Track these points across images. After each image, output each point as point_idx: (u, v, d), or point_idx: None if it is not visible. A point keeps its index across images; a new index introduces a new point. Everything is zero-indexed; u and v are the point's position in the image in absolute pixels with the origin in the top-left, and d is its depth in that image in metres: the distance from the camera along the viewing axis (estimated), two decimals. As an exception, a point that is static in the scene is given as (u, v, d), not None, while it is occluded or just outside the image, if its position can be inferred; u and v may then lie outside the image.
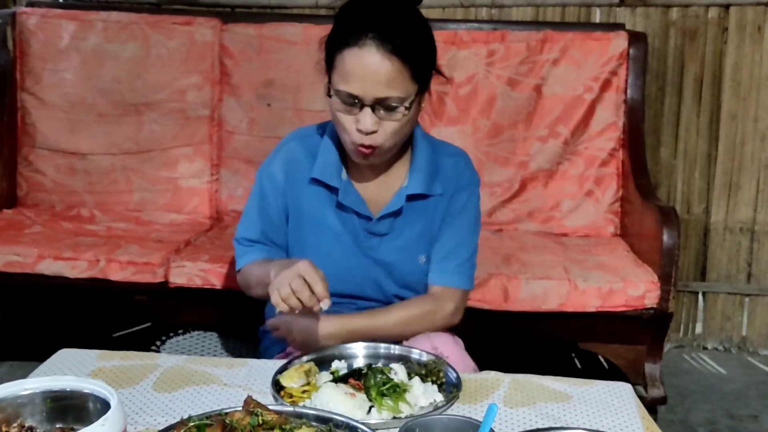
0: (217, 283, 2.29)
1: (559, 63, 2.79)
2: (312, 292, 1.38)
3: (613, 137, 2.78)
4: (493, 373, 1.43)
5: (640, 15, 3.02)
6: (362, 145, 1.50)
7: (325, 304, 1.40)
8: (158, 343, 2.23)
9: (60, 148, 2.90)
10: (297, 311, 1.40)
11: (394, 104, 1.47)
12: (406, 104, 1.48)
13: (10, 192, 2.88)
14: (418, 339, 1.58)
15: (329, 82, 1.51)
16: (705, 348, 3.19)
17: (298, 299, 1.38)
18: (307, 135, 1.69)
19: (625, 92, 2.78)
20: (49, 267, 2.33)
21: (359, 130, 1.48)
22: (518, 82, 2.80)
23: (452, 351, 1.54)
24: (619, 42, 2.77)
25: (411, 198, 1.63)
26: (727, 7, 2.99)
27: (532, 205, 2.81)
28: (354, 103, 1.47)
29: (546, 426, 1.19)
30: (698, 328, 3.19)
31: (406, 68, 1.46)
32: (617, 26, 2.87)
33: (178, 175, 2.88)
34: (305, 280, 1.38)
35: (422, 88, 1.52)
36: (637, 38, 2.79)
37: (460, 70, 2.80)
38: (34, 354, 1.84)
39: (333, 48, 1.49)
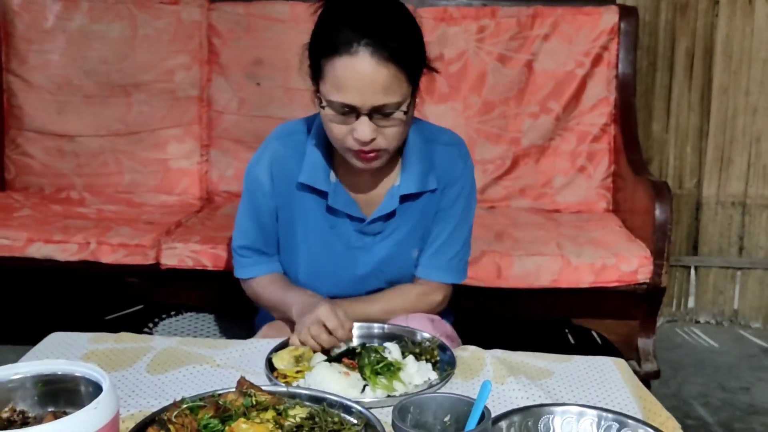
0: (209, 264, 2.28)
1: (550, 38, 2.78)
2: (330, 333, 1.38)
3: (604, 112, 2.78)
4: (471, 348, 1.43)
5: (631, -12, 3.01)
6: (363, 151, 1.45)
7: (345, 345, 1.40)
8: (150, 325, 2.22)
9: (48, 131, 2.88)
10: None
11: (391, 110, 1.41)
12: (404, 108, 1.42)
13: (-3, 175, 2.86)
14: (396, 320, 1.57)
15: (317, 90, 1.44)
16: (697, 322, 3.21)
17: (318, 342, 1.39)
18: (291, 133, 1.62)
19: (617, 67, 2.78)
20: (39, 250, 2.31)
21: (357, 140, 1.42)
22: (509, 58, 2.79)
23: (428, 332, 1.54)
24: (609, 16, 2.76)
25: (404, 198, 1.59)
26: (718, -21, 2.99)
27: (524, 182, 2.81)
28: (349, 112, 1.41)
29: (538, 402, 1.19)
30: (690, 302, 3.21)
31: (402, 73, 1.40)
32: (608, 0, 2.85)
33: (168, 156, 2.87)
34: (325, 326, 1.38)
35: (416, 85, 1.47)
36: (627, 12, 2.78)
37: (450, 47, 2.78)
38: (26, 338, 1.83)
39: (320, 55, 1.41)
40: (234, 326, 2.18)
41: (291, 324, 1.53)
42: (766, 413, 2.50)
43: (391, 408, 1.02)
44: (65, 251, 2.31)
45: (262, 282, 1.67)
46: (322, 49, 1.41)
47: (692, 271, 3.19)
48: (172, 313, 2.26)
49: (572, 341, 2.93)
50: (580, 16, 2.77)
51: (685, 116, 3.09)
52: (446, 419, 1.01)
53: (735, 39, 3.01)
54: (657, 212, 2.23)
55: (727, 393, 2.63)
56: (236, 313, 2.25)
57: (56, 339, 1.49)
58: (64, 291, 2.48)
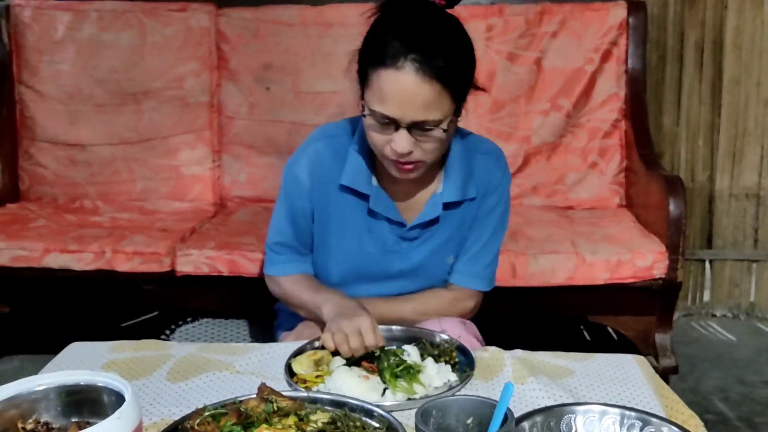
0: (224, 270, 2.28)
1: (559, 35, 2.77)
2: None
3: (615, 108, 2.77)
4: (491, 349, 1.42)
5: (638, -17, 3.00)
6: (400, 161, 1.44)
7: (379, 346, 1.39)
8: (167, 332, 2.22)
9: (60, 140, 2.89)
10: None
11: (431, 126, 1.40)
12: (444, 126, 1.41)
13: (12, 186, 2.88)
14: (430, 323, 1.57)
15: (362, 97, 1.44)
16: (714, 315, 3.20)
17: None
18: (334, 135, 1.61)
19: (626, 62, 2.77)
20: (55, 260, 2.33)
21: (394, 150, 1.42)
22: (518, 56, 2.79)
23: (461, 334, 1.54)
24: (618, 12, 2.75)
25: (447, 206, 1.58)
26: (726, -29, 2.98)
27: (536, 180, 2.80)
28: (389, 124, 1.40)
29: (560, 402, 1.19)
30: (706, 296, 3.20)
31: (445, 91, 1.38)
32: (616, -5, 2.85)
33: (180, 163, 2.88)
34: (362, 336, 1.36)
35: (460, 104, 1.45)
36: (636, 7, 2.77)
37: (459, 46, 2.78)
38: (44, 347, 1.84)
39: (367, 64, 1.41)
40: (251, 331, 2.18)
41: (321, 324, 1.53)
42: (786, 406, 2.49)
43: (412, 411, 1.02)
44: (81, 260, 2.32)
45: (294, 280, 1.65)
46: (370, 58, 1.41)
47: (707, 265, 3.17)
48: (189, 319, 2.26)
49: (588, 338, 2.92)
50: (588, 12, 2.76)
51: (696, 109, 3.08)
52: (469, 421, 1.01)
53: (745, 30, 3.00)
54: (671, 207, 2.22)
55: (746, 387, 2.62)
56: (253, 317, 2.26)
57: (76, 349, 1.49)
58: (81, 300, 2.48)
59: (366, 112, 1.43)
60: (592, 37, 2.75)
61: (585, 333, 2.95)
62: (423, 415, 0.97)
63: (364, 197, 1.58)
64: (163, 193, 2.86)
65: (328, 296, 1.55)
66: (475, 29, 2.78)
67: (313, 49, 2.82)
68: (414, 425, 0.96)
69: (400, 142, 1.40)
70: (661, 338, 2.30)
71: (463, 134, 1.61)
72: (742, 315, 3.19)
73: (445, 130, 1.41)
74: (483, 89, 1.54)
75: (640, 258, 2.22)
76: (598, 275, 2.22)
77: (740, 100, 3.05)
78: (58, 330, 1.82)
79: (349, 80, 1.50)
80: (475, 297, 1.68)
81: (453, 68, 1.39)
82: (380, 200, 1.58)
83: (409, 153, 1.42)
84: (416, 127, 1.40)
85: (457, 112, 1.45)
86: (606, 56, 2.76)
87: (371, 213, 1.59)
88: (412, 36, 1.37)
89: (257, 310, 2.21)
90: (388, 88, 1.37)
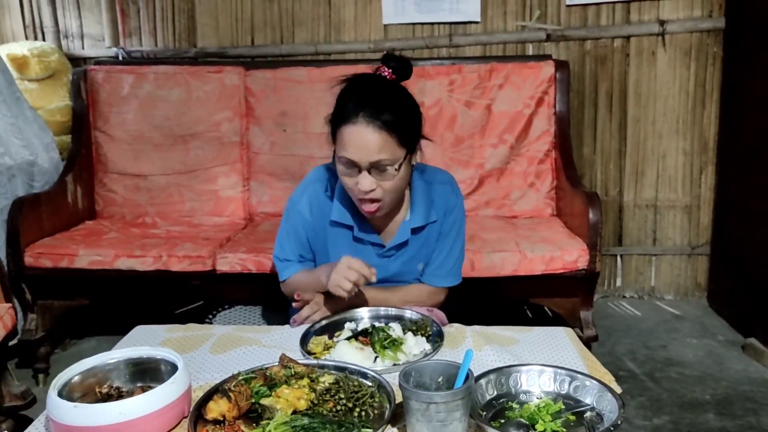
0: (253, 268, 2.27)
1: (504, 87, 2.78)
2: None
3: (547, 141, 2.78)
4: (456, 325, 1.43)
5: (562, 47, 3.02)
6: (365, 201, 1.44)
7: (374, 275, 1.42)
8: (210, 316, 2.20)
9: (126, 172, 2.87)
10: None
11: (385, 166, 1.39)
12: (396, 166, 1.40)
13: (90, 208, 2.86)
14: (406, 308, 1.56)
15: (334, 151, 1.44)
16: (624, 296, 3.21)
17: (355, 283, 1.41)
18: (326, 178, 1.60)
19: (555, 107, 2.77)
20: (124, 263, 2.31)
21: (360, 189, 1.42)
22: (473, 103, 2.80)
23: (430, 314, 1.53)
24: (548, 69, 2.77)
25: (414, 230, 1.58)
26: (628, 38, 3.00)
27: (488, 196, 2.80)
28: (353, 167, 1.40)
29: (508, 363, 1.19)
30: (618, 282, 3.21)
31: (393, 138, 1.38)
32: (546, 57, 2.86)
33: (218, 188, 2.87)
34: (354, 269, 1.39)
35: (410, 150, 1.44)
36: (561, 65, 2.79)
37: (428, 96, 2.79)
38: (115, 330, 1.83)
39: (334, 124, 1.42)
40: (273, 315, 2.17)
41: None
42: (679, 364, 2.50)
43: (397, 373, 1.02)
44: (143, 263, 2.31)
45: (296, 275, 1.64)
46: (336, 119, 1.42)
47: (618, 258, 3.19)
48: (226, 306, 2.25)
49: (530, 315, 2.92)
50: (525, 69, 2.77)
51: (608, 141, 3.10)
52: (439, 380, 1.01)
53: (643, 82, 3.02)
54: (590, 215, 2.22)
55: (649, 350, 2.63)
56: (275, 305, 2.25)
57: (140, 331, 1.49)
58: (144, 293, 2.47)
59: (337, 159, 1.43)
60: (528, 88, 2.76)
61: (528, 312, 2.95)
62: (404, 376, 0.97)
63: (349, 228, 1.58)
64: (205, 211, 2.85)
65: (320, 269, 1.55)
66: (440, 83, 2.80)
67: (318, 100, 2.83)
68: (398, 383, 0.96)
69: (363, 181, 1.40)
70: (584, 314, 2.30)
71: (421, 170, 1.60)
72: (645, 296, 3.20)
73: (397, 170, 1.41)
74: (429, 139, 1.54)
75: (568, 254, 2.22)
76: (536, 267, 2.22)
77: (640, 134, 3.07)
78: (126, 317, 1.81)
79: (323, 138, 1.49)
80: (445, 292, 1.67)
81: (397, 121, 1.39)
82: (363, 228, 1.58)
83: (372, 190, 1.42)
84: (374, 168, 1.39)
85: (408, 156, 1.44)
86: (539, 102, 2.77)
87: (357, 239, 1.59)
88: (364, 98, 1.39)
89: (276, 299, 2.20)
90: (347, 138, 1.38)
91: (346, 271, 1.40)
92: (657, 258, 3.16)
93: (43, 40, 3.23)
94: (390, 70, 1.46)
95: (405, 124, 1.42)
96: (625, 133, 3.08)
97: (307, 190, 1.62)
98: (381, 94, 1.41)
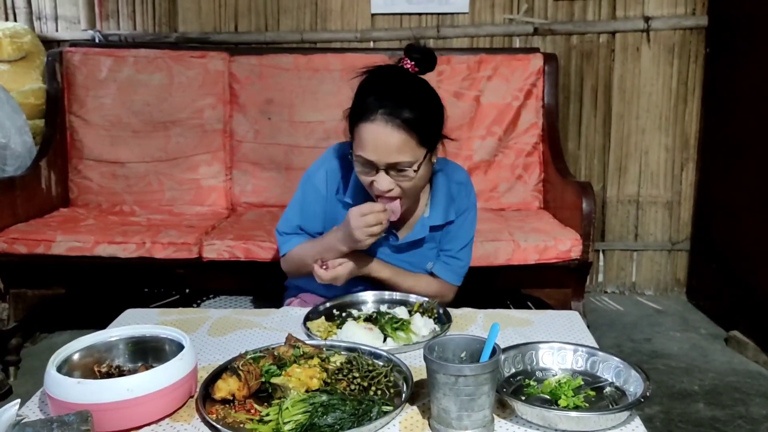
0: (241, 255, 2.21)
1: (492, 79, 2.77)
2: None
3: (535, 134, 2.78)
4: (468, 309, 1.41)
5: (549, 41, 3.03)
6: (384, 198, 1.39)
7: (393, 214, 1.39)
8: (194, 306, 2.14)
9: (103, 159, 2.78)
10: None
11: (404, 167, 1.34)
12: (415, 167, 1.34)
13: (64, 195, 2.75)
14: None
15: (352, 147, 1.39)
16: (606, 292, 3.23)
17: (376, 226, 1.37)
18: (346, 156, 1.50)
19: (543, 99, 2.78)
20: (104, 250, 2.22)
21: (377, 188, 1.36)
22: (462, 95, 2.79)
23: None
24: (536, 61, 2.77)
25: (433, 228, 1.53)
26: (613, 34, 3.02)
27: (476, 188, 2.68)
28: (370, 166, 1.35)
29: (522, 342, 1.17)
30: (600, 278, 3.23)
31: (413, 137, 1.31)
32: (534, 50, 2.86)
33: (200, 177, 2.79)
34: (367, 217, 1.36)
35: (430, 149, 1.37)
36: (550, 58, 2.79)
37: (417, 86, 2.76)
38: (89, 323, 1.74)
39: (352, 120, 1.37)
40: (262, 305, 2.11)
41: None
42: (665, 357, 2.52)
43: (408, 353, 0.99)
44: (126, 250, 2.23)
45: (299, 247, 1.56)
46: (354, 115, 1.36)
47: (601, 254, 3.21)
48: (211, 296, 2.19)
49: (530, 306, 2.91)
50: (514, 62, 2.77)
51: (592, 137, 3.12)
52: (462, 355, 0.98)
53: (627, 77, 3.05)
54: (584, 205, 2.21)
55: (634, 343, 2.65)
56: (263, 294, 2.20)
57: (130, 314, 1.43)
58: (126, 281, 2.38)
59: (354, 157, 1.38)
60: (517, 80, 2.76)
61: (520, 302, 2.95)
62: (429, 349, 0.94)
63: None
64: (186, 200, 2.77)
65: (328, 235, 1.49)
66: (429, 74, 2.76)
67: (304, 88, 2.78)
68: (423, 356, 0.93)
69: (381, 181, 1.36)
70: (575, 305, 2.30)
71: (444, 164, 1.54)
72: (627, 291, 3.23)
73: (416, 171, 1.35)
74: (452, 139, 1.48)
75: (562, 243, 2.22)
76: (530, 257, 2.21)
77: (624, 130, 3.10)
78: (107, 307, 1.73)
79: (335, 113, 1.46)
80: (453, 291, 1.63)
81: (418, 119, 1.33)
82: None
83: (390, 190, 1.37)
84: (392, 168, 1.35)
85: (428, 155, 1.38)
86: (528, 95, 2.77)
87: None
88: (383, 94, 1.33)
89: (265, 289, 2.14)
90: (365, 137, 1.33)
91: (364, 219, 1.35)
92: (638, 254, 3.19)
93: (15, 20, 3.11)
94: (413, 62, 1.39)
95: (426, 123, 1.35)
96: (609, 129, 3.10)
97: (325, 164, 1.55)
98: (402, 89, 1.35)
